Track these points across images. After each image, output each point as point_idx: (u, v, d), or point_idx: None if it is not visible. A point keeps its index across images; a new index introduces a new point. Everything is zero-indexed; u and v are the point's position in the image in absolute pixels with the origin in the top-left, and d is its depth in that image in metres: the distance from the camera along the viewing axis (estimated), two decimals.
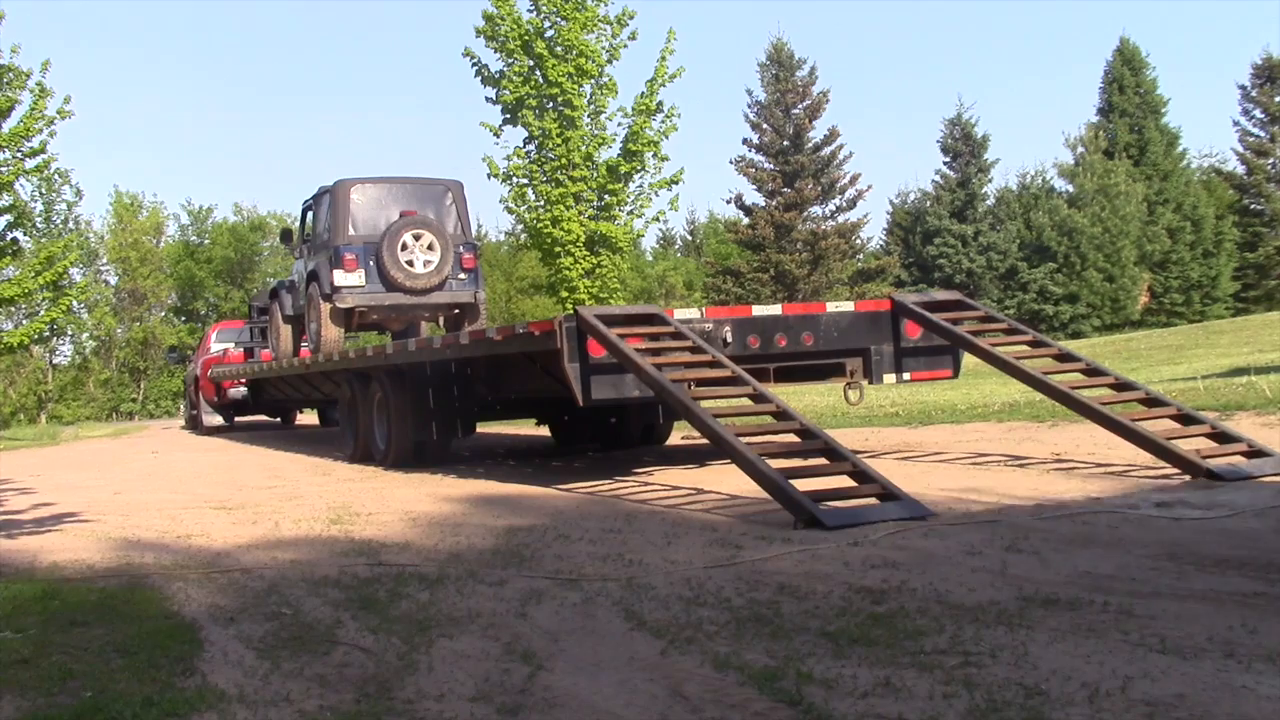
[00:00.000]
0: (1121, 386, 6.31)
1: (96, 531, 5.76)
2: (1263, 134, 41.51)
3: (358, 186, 10.92)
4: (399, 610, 3.43)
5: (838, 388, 7.82)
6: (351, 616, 3.38)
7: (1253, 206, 42.10)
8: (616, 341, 6.07)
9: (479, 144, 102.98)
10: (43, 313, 23.87)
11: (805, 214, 36.75)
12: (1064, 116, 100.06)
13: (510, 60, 21.72)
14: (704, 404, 5.66)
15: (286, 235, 12.35)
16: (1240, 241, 41.12)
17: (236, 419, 18.46)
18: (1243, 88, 41.59)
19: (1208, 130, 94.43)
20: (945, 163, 41.57)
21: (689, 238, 55.09)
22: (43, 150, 21.15)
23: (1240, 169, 42.77)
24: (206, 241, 47.77)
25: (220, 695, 2.60)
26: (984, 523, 4.46)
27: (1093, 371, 6.51)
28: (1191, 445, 5.56)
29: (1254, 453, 5.53)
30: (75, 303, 31.80)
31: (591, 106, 22.08)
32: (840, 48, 79.08)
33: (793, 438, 5.63)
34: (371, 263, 10.63)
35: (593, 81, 22.00)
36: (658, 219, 23.79)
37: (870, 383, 7.41)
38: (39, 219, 36.13)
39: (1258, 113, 41.35)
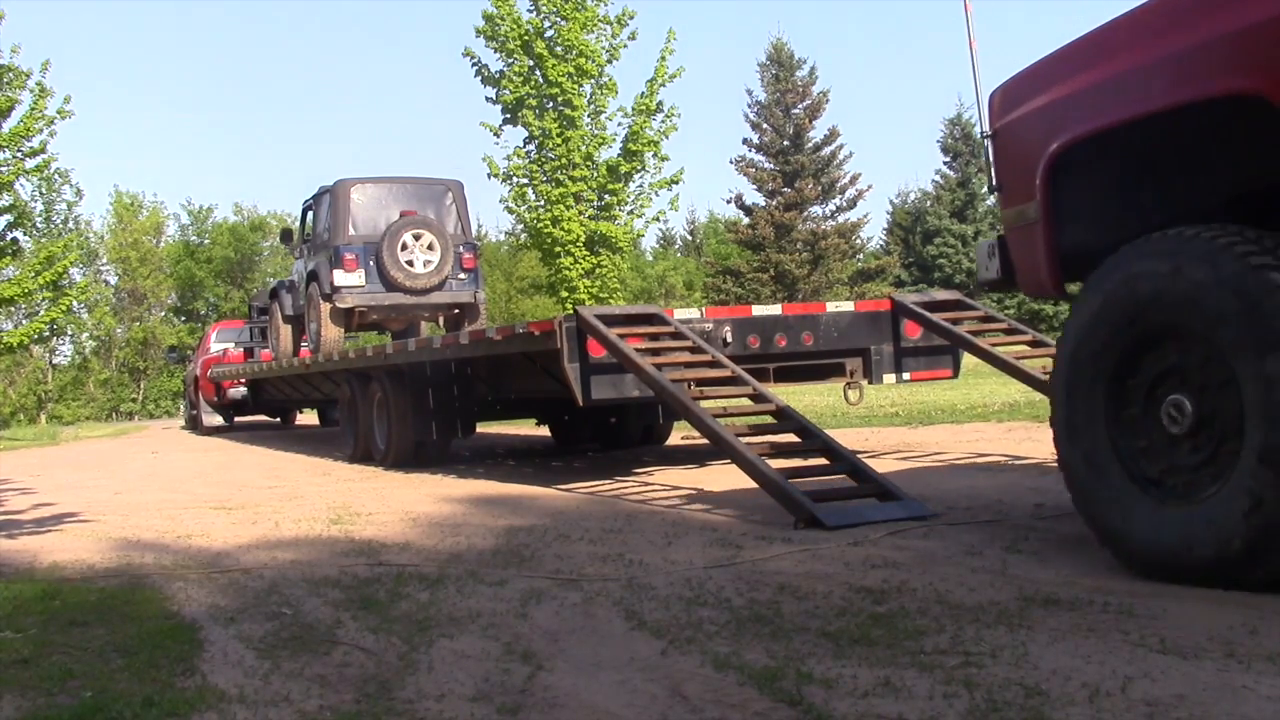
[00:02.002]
0: None
1: (96, 531, 5.76)
2: None
3: (358, 186, 10.93)
4: (399, 610, 3.43)
5: (838, 388, 7.82)
6: (351, 616, 3.38)
7: None
8: (616, 341, 6.07)
9: (479, 144, 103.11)
10: (43, 313, 23.88)
11: (805, 214, 36.77)
12: None
13: (510, 60, 21.74)
14: (704, 404, 5.66)
15: (286, 235, 12.36)
16: None
17: (236, 419, 18.46)
18: None
19: None
20: (945, 163, 41.62)
21: (689, 238, 55.11)
22: (43, 150, 21.17)
23: None
24: (206, 241, 47.78)
25: (220, 695, 2.60)
26: (984, 523, 4.46)
27: None
28: None
29: None
30: (75, 303, 31.80)
31: (591, 106, 22.10)
32: (840, 48, 79.11)
33: (793, 438, 5.63)
34: (371, 263, 10.64)
35: (593, 81, 22.03)
36: (658, 219, 23.87)
37: (870, 383, 7.41)
38: (39, 219, 36.17)
39: None
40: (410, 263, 10.67)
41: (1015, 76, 4.06)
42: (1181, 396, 3.25)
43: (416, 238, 10.70)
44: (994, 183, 4.13)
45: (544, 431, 11.26)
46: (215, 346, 18.54)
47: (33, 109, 20.79)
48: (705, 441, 5.68)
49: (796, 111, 36.93)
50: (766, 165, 37.09)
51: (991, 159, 4.13)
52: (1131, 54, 3.43)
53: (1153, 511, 3.29)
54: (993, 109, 4.11)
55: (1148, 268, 3.29)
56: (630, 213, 22.68)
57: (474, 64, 22.03)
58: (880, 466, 5.76)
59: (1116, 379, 3.45)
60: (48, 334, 31.15)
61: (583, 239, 21.98)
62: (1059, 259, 3.80)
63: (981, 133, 4.17)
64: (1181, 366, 3.28)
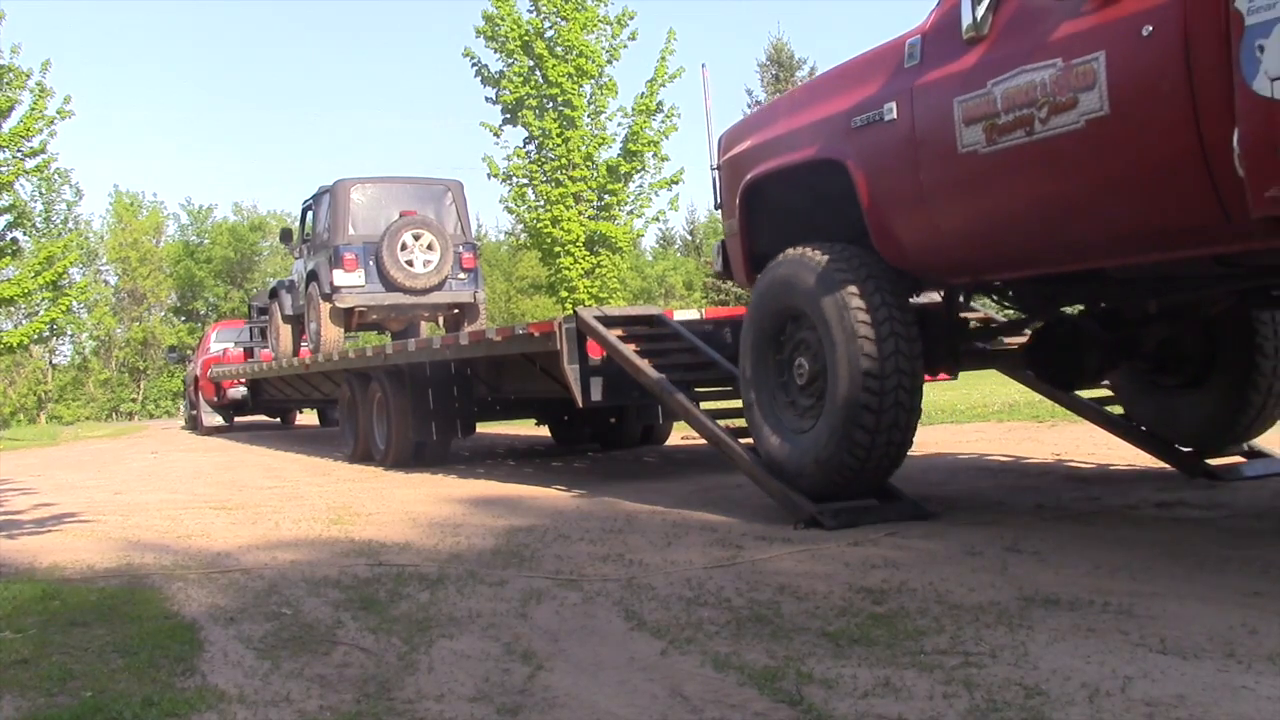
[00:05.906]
0: None
1: (96, 531, 5.76)
2: None
3: (358, 186, 10.93)
4: (399, 610, 3.43)
5: None
6: (351, 616, 3.38)
7: None
8: (615, 343, 6.06)
9: (479, 144, 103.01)
10: (43, 313, 23.88)
11: None
12: None
13: (510, 60, 21.72)
14: (703, 405, 5.66)
15: (286, 235, 12.36)
16: None
17: (236, 419, 18.46)
18: None
19: None
20: None
21: (689, 238, 55.04)
22: (43, 150, 21.17)
23: None
24: (206, 241, 47.77)
25: (220, 695, 2.60)
26: (984, 523, 4.46)
27: None
28: None
29: (1254, 454, 5.54)
30: (75, 303, 31.82)
31: (591, 106, 22.08)
32: (840, 48, 79.07)
33: None
34: (371, 263, 10.65)
35: (593, 81, 22.01)
36: (658, 219, 23.82)
37: None
38: (39, 219, 36.18)
39: None
40: (410, 263, 10.67)
41: (731, 128, 5.53)
42: (803, 359, 4.67)
43: (416, 238, 10.71)
44: (717, 202, 5.57)
45: (544, 431, 11.26)
46: (215, 346, 18.54)
47: (33, 109, 20.80)
48: (705, 442, 5.68)
49: None
50: None
51: (717, 185, 5.53)
52: (788, 121, 4.88)
53: (788, 440, 4.69)
54: (720, 148, 5.54)
55: (784, 271, 4.69)
56: (630, 213, 22.67)
57: (474, 64, 22.02)
58: None
59: (773, 348, 4.87)
60: (48, 334, 31.16)
61: (582, 239, 21.96)
62: (751, 260, 5.24)
63: (711, 165, 5.61)
64: (805, 339, 4.66)
